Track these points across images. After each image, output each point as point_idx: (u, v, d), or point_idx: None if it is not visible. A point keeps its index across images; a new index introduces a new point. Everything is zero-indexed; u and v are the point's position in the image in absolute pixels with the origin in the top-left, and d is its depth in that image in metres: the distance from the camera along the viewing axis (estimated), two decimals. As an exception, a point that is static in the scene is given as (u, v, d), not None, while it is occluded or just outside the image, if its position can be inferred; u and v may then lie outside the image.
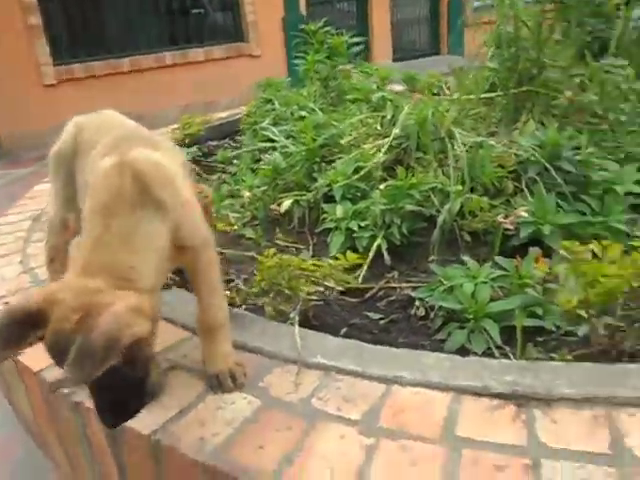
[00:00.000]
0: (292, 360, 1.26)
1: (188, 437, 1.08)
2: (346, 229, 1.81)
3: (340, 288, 1.68)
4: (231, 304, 1.50)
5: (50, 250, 1.61)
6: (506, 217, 1.71)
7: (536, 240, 1.71)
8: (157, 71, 7.27)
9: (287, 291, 1.47)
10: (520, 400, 1.09)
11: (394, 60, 9.29)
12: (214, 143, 3.45)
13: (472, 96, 2.36)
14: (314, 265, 1.47)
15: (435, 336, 1.54)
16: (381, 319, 1.65)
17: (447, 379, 1.17)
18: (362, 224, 1.79)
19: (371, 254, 1.73)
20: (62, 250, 1.59)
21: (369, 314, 1.68)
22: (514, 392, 1.10)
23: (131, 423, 1.10)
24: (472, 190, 1.89)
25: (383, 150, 2.04)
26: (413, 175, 1.82)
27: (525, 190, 1.86)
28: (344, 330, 1.50)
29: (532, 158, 1.87)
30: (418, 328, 1.61)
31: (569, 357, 1.22)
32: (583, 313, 1.20)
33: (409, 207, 1.76)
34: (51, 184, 1.56)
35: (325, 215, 1.91)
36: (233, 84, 7.05)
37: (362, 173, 1.95)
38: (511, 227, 1.70)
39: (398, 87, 3.32)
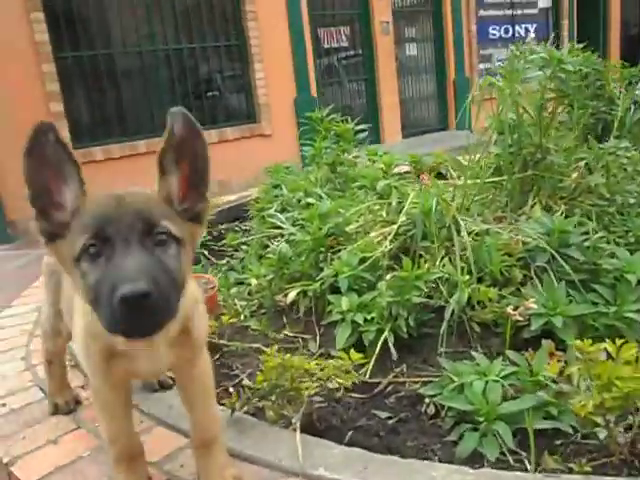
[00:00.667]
0: (293, 472, 1.20)
1: None
2: (352, 322, 1.77)
3: (347, 384, 1.63)
4: (232, 408, 1.45)
5: (47, 354, 1.58)
6: (516, 308, 1.67)
7: (548, 331, 1.67)
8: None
9: (290, 392, 1.42)
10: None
11: (404, 136, 9.48)
12: (224, 226, 3.47)
13: (478, 180, 2.37)
14: (317, 364, 1.43)
15: (447, 437, 1.47)
16: (389, 418, 1.59)
17: (458, 495, 1.10)
18: (368, 317, 1.75)
19: (377, 349, 1.69)
20: (59, 353, 1.56)
21: (377, 412, 1.62)
22: (529, 511, 1.03)
23: None
24: (480, 279, 1.86)
25: (389, 238, 2.03)
26: (419, 266, 1.80)
27: (535, 279, 1.83)
28: (350, 434, 1.44)
29: (540, 245, 1.85)
30: (428, 428, 1.53)
31: (588, 468, 1.14)
32: (599, 420, 1.14)
33: (416, 299, 1.73)
34: (44, 290, 1.53)
35: (331, 307, 1.88)
36: (246, 163, 7.21)
37: (368, 263, 1.93)
38: (521, 319, 1.65)
39: (405, 167, 3.36)
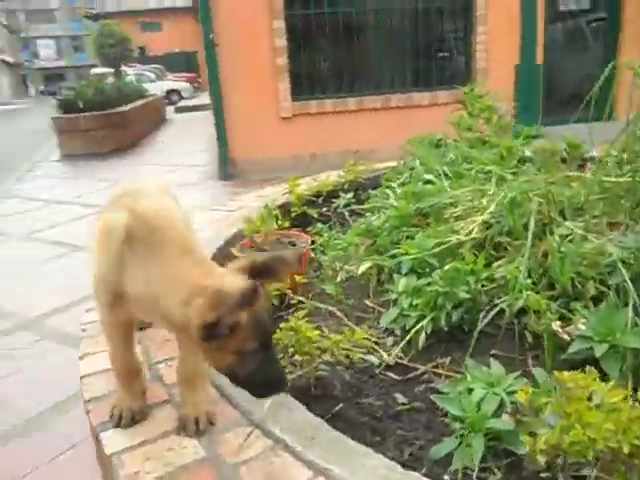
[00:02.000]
0: (254, 423, 1.32)
1: (129, 467, 1.23)
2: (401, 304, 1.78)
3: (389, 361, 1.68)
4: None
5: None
6: (564, 326, 1.51)
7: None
8: (381, 112, 7.64)
9: (298, 356, 1.53)
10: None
11: None
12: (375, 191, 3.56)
13: (612, 178, 2.10)
14: (323, 336, 1.50)
15: (441, 436, 1.44)
16: (403, 404, 1.60)
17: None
18: (414, 303, 1.74)
19: (409, 335, 1.68)
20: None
21: (397, 395, 1.64)
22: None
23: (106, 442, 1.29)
24: (551, 287, 1.70)
25: (475, 227, 1.95)
26: (489, 261, 1.72)
27: (612, 295, 1.61)
28: (339, 407, 1.50)
29: (630, 261, 1.62)
30: (435, 423, 1.52)
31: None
32: (541, 460, 1.04)
33: (463, 294, 1.67)
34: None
35: (391, 286, 1.90)
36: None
37: (441, 248, 1.89)
38: (567, 338, 1.50)
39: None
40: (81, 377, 1.65)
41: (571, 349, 1.46)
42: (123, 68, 15.85)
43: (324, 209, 3.10)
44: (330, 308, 1.98)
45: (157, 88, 23.21)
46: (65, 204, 6.56)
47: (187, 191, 6.29)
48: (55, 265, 4.30)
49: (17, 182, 8.55)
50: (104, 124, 10.31)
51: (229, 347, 1.15)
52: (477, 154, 2.44)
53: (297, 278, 2.07)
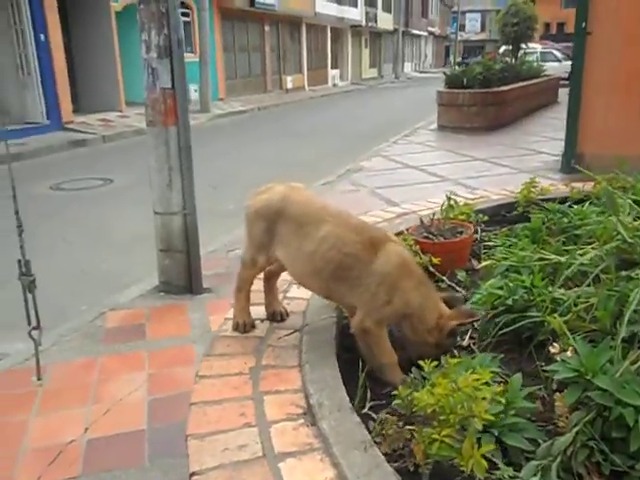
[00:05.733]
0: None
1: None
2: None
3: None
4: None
5: (240, 281, 2.47)
6: (562, 350, 1.65)
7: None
8: None
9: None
10: None
11: None
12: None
13: None
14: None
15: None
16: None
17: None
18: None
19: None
20: (249, 283, 2.43)
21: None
22: None
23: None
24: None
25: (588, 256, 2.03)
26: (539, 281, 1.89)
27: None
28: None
29: None
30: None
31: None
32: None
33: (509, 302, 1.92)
34: (247, 231, 2.35)
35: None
36: None
37: (538, 264, 2.06)
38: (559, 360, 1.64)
39: None
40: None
41: (547, 367, 1.61)
42: (524, 46, 16.06)
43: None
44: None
45: (560, 69, 22.63)
46: (416, 169, 7.57)
47: (520, 177, 6.58)
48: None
49: (392, 144, 10.04)
50: (478, 101, 11.03)
51: (439, 340, 1.91)
52: None
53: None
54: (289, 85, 26.80)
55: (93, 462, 2.14)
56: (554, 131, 10.67)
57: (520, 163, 7.73)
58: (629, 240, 1.88)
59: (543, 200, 3.37)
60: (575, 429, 1.45)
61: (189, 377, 2.71)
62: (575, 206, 2.87)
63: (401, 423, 1.49)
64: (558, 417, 1.56)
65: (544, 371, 1.67)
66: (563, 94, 18.12)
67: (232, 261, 4.32)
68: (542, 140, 9.78)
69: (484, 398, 1.37)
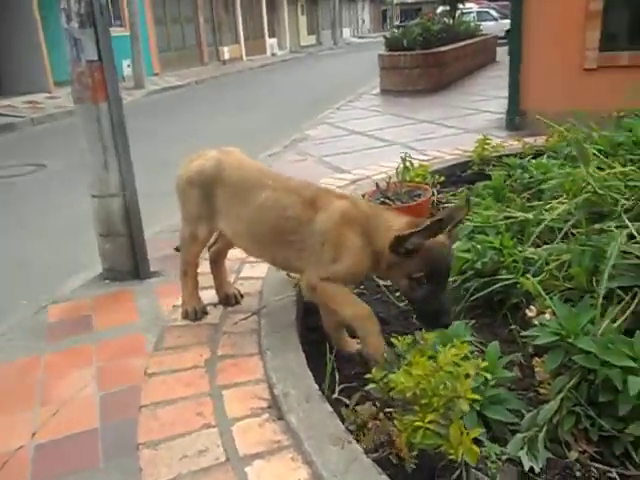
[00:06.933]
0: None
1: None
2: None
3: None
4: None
5: (183, 264, 2.22)
6: (539, 313, 1.56)
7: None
8: None
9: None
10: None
11: None
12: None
13: None
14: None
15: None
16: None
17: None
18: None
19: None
20: (193, 264, 2.18)
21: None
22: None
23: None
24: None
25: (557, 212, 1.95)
26: (508, 242, 1.79)
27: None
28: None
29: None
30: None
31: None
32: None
33: (478, 265, 1.78)
34: (181, 204, 2.11)
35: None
36: None
37: (503, 222, 1.97)
38: (537, 324, 1.55)
39: None
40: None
41: (525, 333, 1.52)
42: (460, 6, 16.04)
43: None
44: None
45: (497, 28, 22.78)
46: (362, 135, 7.43)
47: (467, 137, 6.53)
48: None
49: (336, 111, 9.86)
50: (420, 63, 10.94)
51: (404, 269, 1.59)
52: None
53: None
54: (226, 56, 26.07)
55: (43, 469, 1.97)
56: (495, 90, 10.71)
57: (465, 123, 7.71)
58: (599, 191, 1.81)
59: (498, 157, 3.29)
60: (560, 396, 1.37)
61: (141, 368, 2.54)
62: (533, 161, 2.79)
63: (378, 412, 1.36)
64: (539, 384, 1.48)
65: (521, 337, 1.58)
66: (501, 53, 18.31)
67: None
68: (484, 99, 9.79)
69: (467, 375, 1.27)
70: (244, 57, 28.03)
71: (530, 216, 1.97)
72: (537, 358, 1.50)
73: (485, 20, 22.24)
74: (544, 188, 2.16)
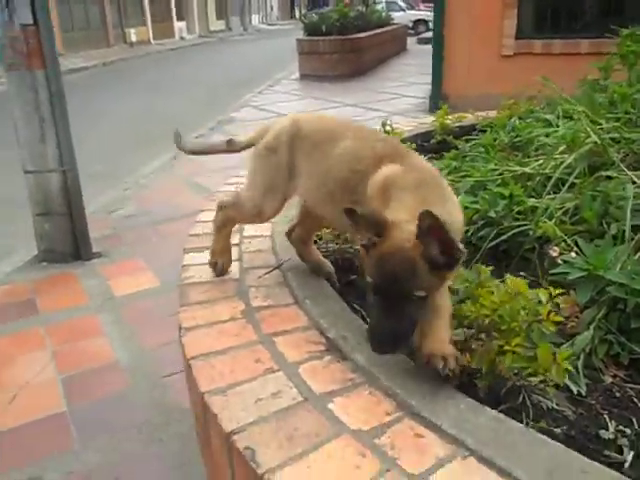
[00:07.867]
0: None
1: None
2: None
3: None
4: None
5: (225, 220, 1.99)
6: (562, 253, 1.66)
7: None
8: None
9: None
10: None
11: None
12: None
13: None
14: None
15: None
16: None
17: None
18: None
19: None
20: (233, 225, 1.99)
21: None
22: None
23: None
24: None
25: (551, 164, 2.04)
26: (518, 190, 1.99)
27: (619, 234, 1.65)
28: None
29: None
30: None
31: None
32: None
33: (491, 214, 1.89)
34: (251, 176, 1.87)
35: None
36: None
37: (501, 177, 2.04)
38: (561, 263, 1.64)
39: None
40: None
41: (554, 271, 1.61)
42: (372, -4, 16.30)
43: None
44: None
45: (405, 18, 23.31)
46: (287, 118, 7.39)
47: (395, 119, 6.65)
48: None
49: (258, 94, 9.75)
50: (339, 48, 11.03)
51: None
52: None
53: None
54: (133, 38, 25.05)
55: (11, 457, 1.85)
56: (412, 76, 11.04)
57: (390, 106, 7.88)
58: (598, 142, 1.91)
59: (459, 127, 3.40)
60: (592, 325, 1.46)
61: (101, 349, 2.41)
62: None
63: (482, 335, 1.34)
64: (566, 318, 1.54)
65: (550, 274, 1.63)
66: (411, 43, 18.86)
67: (117, 222, 3.93)
68: (403, 85, 10.04)
69: (540, 301, 1.30)
70: (152, 40, 27.06)
71: (528, 170, 2.05)
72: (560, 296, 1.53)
73: (393, 10, 22.71)
74: (546, 143, 2.23)
